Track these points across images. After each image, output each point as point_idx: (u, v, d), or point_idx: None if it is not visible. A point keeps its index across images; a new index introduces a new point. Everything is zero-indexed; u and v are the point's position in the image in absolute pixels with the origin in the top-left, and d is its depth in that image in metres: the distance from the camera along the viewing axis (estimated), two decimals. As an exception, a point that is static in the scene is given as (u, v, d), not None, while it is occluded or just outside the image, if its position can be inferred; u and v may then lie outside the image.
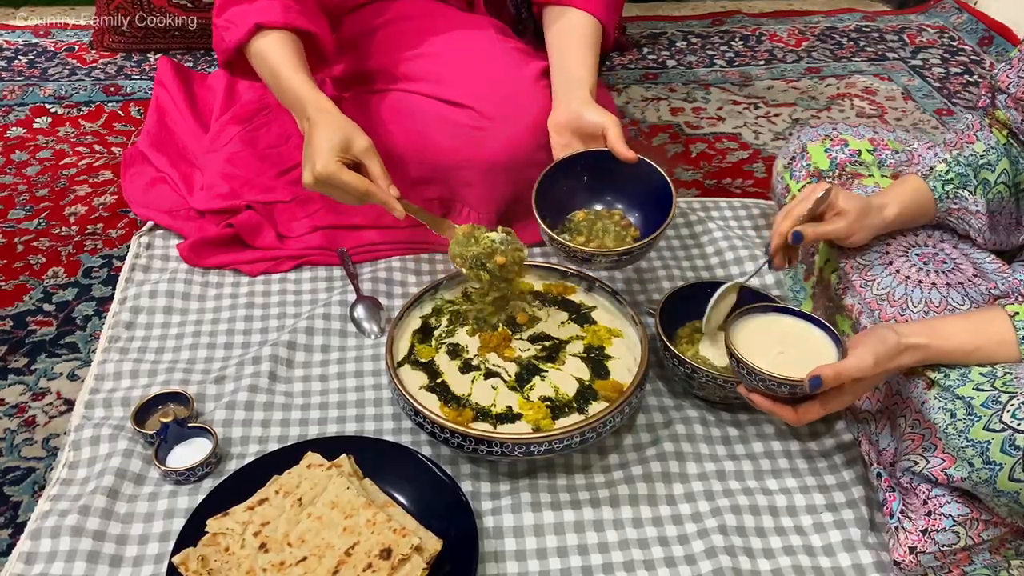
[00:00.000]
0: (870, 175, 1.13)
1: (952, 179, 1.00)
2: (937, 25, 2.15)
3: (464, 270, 1.08)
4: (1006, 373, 0.84)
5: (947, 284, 0.97)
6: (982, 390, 0.84)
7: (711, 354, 1.10)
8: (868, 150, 1.16)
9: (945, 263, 1.00)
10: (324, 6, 1.36)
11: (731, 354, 0.96)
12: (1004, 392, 0.82)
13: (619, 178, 1.12)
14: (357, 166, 1.07)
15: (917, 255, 1.01)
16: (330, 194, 1.08)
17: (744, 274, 1.30)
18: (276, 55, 1.13)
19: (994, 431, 0.81)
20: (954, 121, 1.08)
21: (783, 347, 0.97)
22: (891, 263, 1.01)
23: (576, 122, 1.11)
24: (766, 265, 1.04)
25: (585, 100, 1.12)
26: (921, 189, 1.02)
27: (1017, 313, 0.86)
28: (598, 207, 1.15)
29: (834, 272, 1.08)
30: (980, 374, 0.85)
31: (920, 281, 0.98)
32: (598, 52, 1.21)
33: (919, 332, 0.88)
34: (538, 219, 1.07)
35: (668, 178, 1.08)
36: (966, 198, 1.00)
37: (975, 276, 0.98)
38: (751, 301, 1.14)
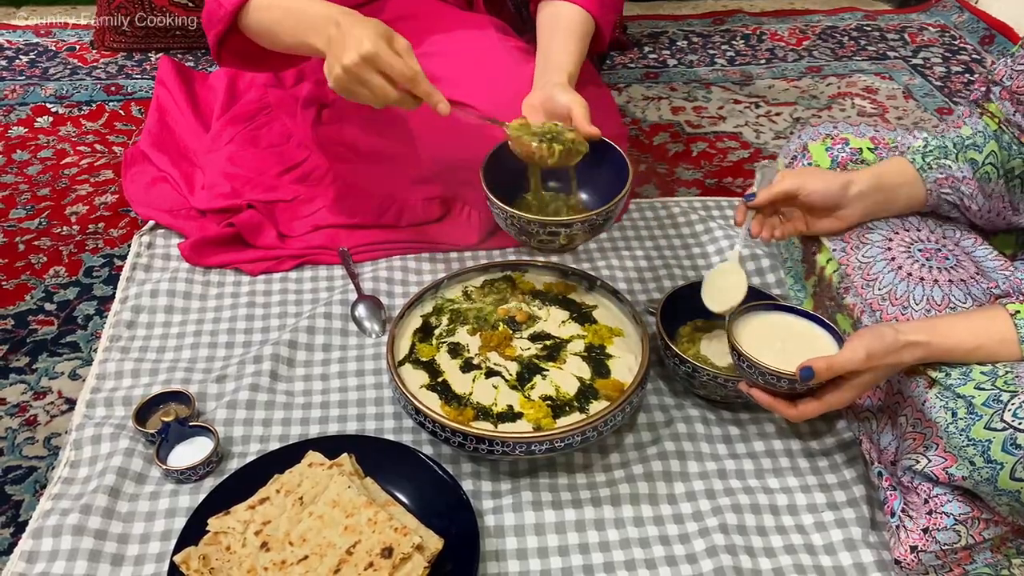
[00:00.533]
0: None
1: (931, 151, 1.02)
2: (938, 24, 2.15)
3: (534, 144, 1.05)
4: (1007, 372, 0.84)
5: (949, 281, 0.97)
6: (983, 389, 0.84)
7: (712, 353, 1.10)
8: (869, 148, 1.16)
9: (947, 259, 1.00)
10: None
11: (733, 348, 0.97)
12: (1005, 391, 0.82)
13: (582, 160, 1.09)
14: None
15: (920, 250, 1.01)
16: (361, 88, 1.01)
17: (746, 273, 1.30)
18: None
19: (995, 430, 0.81)
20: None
21: (784, 344, 0.98)
22: (893, 259, 1.01)
23: (548, 103, 1.09)
24: (748, 235, 1.06)
25: (560, 83, 1.10)
26: (899, 161, 1.03)
27: (1018, 311, 0.86)
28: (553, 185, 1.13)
29: (835, 271, 1.07)
30: (981, 373, 0.85)
31: (922, 278, 0.98)
32: (585, 44, 1.20)
33: (919, 329, 0.88)
34: (486, 191, 1.04)
35: (625, 155, 1.07)
36: (949, 166, 1.01)
37: (977, 275, 0.98)
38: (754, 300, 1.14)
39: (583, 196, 1.13)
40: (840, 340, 0.96)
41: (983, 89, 1.04)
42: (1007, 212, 1.05)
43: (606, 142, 1.08)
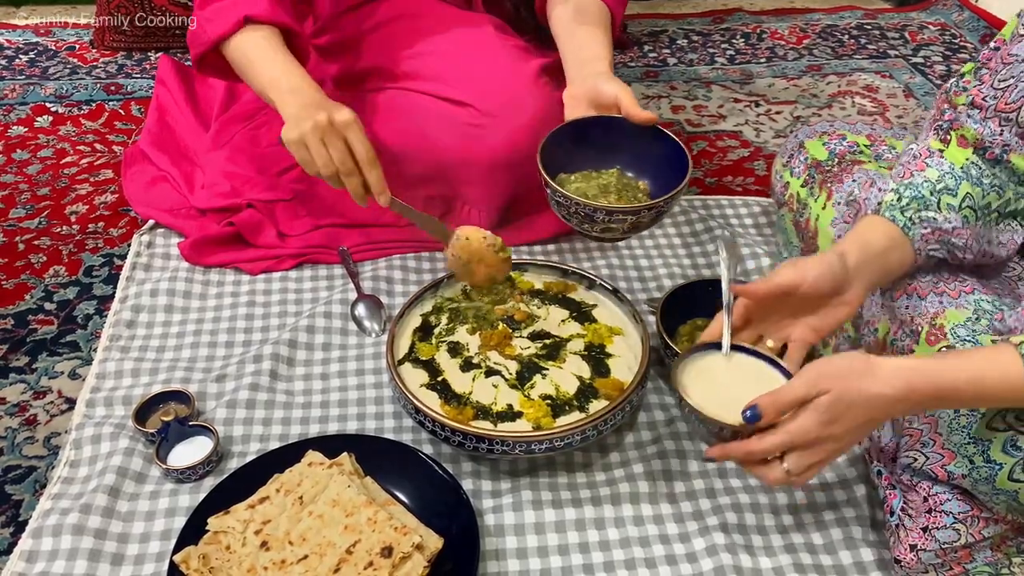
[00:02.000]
0: (870, 162, 1.13)
1: (908, 204, 0.90)
2: (938, 22, 2.15)
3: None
4: None
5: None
6: None
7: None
8: (866, 144, 1.16)
9: None
10: (324, 5, 1.36)
11: (679, 398, 0.86)
12: None
13: (630, 145, 1.05)
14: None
15: None
16: (314, 149, 1.04)
17: (744, 272, 1.30)
18: (265, 45, 1.12)
19: (997, 430, 0.81)
20: (899, 153, 0.99)
21: (734, 388, 0.86)
22: None
23: (592, 92, 1.06)
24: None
25: (603, 72, 1.07)
26: (879, 223, 0.90)
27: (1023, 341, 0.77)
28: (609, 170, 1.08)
29: None
30: None
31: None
32: (610, 34, 1.18)
33: (901, 361, 0.79)
34: (541, 170, 0.99)
35: (683, 144, 1.03)
36: (934, 218, 0.89)
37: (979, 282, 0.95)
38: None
39: (642, 184, 1.07)
40: (782, 369, 0.87)
41: (950, 109, 0.93)
42: (990, 249, 0.95)
43: (660, 129, 1.04)
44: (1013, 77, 0.87)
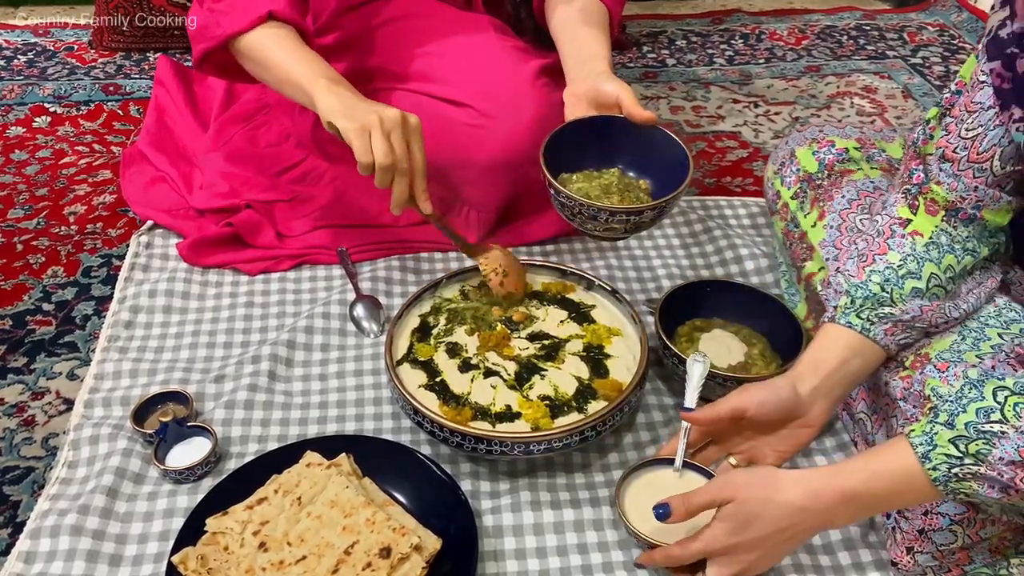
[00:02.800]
0: (859, 169, 1.13)
1: (862, 306, 0.89)
2: (937, 23, 2.15)
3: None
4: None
5: None
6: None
7: (711, 353, 1.10)
8: (855, 148, 1.16)
9: None
10: (323, 5, 1.36)
11: (618, 513, 0.91)
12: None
13: (632, 145, 1.05)
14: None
15: None
16: (368, 143, 1.01)
17: (743, 273, 1.30)
18: (290, 40, 1.11)
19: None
20: (868, 226, 0.97)
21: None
22: None
23: (592, 92, 1.07)
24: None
25: (603, 72, 1.08)
26: (837, 334, 0.90)
27: (913, 431, 0.77)
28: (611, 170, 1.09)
29: (820, 282, 1.07)
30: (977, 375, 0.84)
31: None
32: (608, 34, 1.19)
33: (805, 471, 0.81)
34: (544, 170, 1.00)
35: (684, 144, 1.03)
36: (892, 313, 0.88)
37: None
38: (744, 299, 1.14)
39: (643, 183, 1.07)
40: None
41: (920, 169, 0.91)
42: (967, 308, 0.93)
43: (660, 129, 1.04)
44: (981, 126, 0.84)
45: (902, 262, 0.89)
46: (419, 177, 1.06)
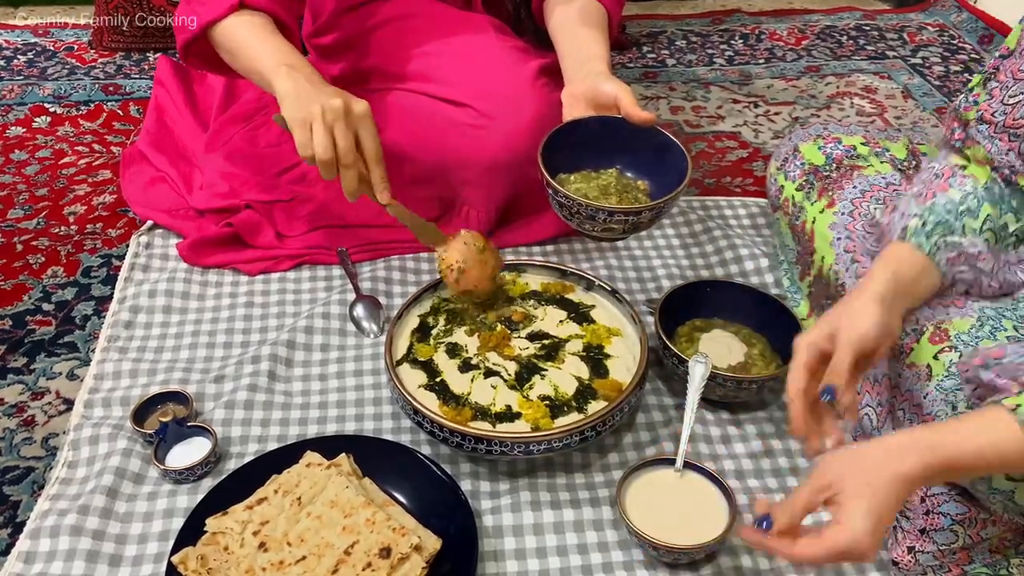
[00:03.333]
0: (869, 165, 1.12)
1: (934, 229, 0.89)
2: (937, 23, 2.15)
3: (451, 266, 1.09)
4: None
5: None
6: None
7: (711, 353, 1.10)
8: (862, 143, 1.15)
9: None
10: (322, 6, 1.36)
11: (619, 512, 0.92)
12: None
13: (630, 146, 1.05)
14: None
15: None
16: (308, 136, 1.01)
17: (743, 273, 1.30)
18: (258, 28, 1.11)
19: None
20: (918, 170, 0.99)
21: (673, 506, 0.93)
22: None
23: (591, 92, 1.06)
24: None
25: (602, 72, 1.07)
26: (906, 251, 0.89)
27: (1019, 406, 0.73)
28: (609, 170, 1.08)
29: (829, 268, 1.07)
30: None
31: None
32: (607, 34, 1.19)
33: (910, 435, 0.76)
34: (542, 170, 1.00)
35: (682, 145, 1.03)
36: (960, 243, 0.88)
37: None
38: (744, 299, 1.14)
39: (641, 184, 1.07)
40: (730, 498, 0.92)
41: (959, 127, 0.92)
42: (1009, 277, 0.93)
43: (658, 130, 1.04)
44: (1022, 93, 0.86)
45: (963, 199, 0.89)
46: (373, 164, 1.04)
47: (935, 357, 0.87)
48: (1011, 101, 0.87)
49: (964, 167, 0.92)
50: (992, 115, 0.88)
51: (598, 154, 1.06)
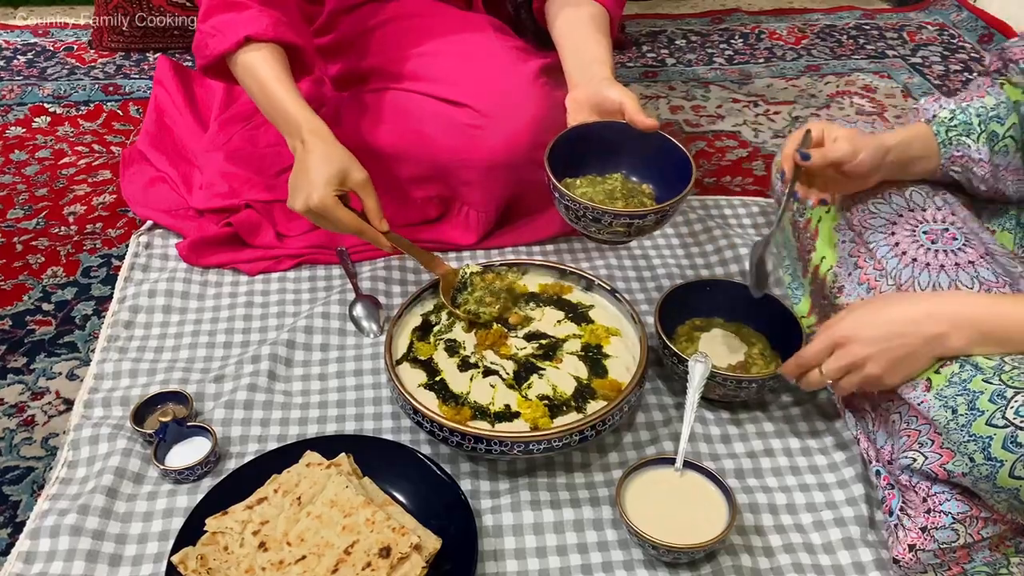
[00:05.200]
0: None
1: (956, 125, 1.02)
2: (937, 22, 2.15)
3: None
4: (1013, 368, 0.83)
5: (956, 265, 0.95)
6: (990, 384, 0.83)
7: (710, 352, 1.10)
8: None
9: (955, 239, 0.98)
10: (322, 6, 1.36)
11: (619, 512, 0.93)
12: (1009, 387, 0.81)
13: (634, 150, 1.07)
14: (346, 195, 1.07)
15: (925, 233, 1.00)
16: (318, 222, 1.08)
17: (743, 272, 1.30)
18: (265, 70, 1.11)
19: (996, 427, 0.81)
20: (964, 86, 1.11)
21: (673, 505, 0.94)
22: (897, 244, 1.00)
23: (596, 98, 1.07)
24: (794, 201, 1.06)
25: (606, 78, 1.08)
26: (924, 132, 1.03)
27: None
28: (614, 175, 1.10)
29: (829, 270, 1.07)
30: (989, 367, 0.84)
31: (928, 264, 0.97)
32: (610, 37, 1.19)
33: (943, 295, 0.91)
34: (549, 173, 1.01)
35: (686, 150, 1.04)
36: (969, 145, 1.01)
37: (986, 255, 0.96)
38: (744, 299, 1.14)
39: (647, 188, 1.09)
40: (730, 497, 0.93)
41: (1000, 63, 1.04)
42: (1020, 184, 1.04)
43: (662, 135, 1.05)
44: None
45: (995, 107, 1.02)
46: (373, 216, 1.08)
47: (936, 371, 0.88)
48: None
49: (1003, 85, 1.04)
50: (1019, 60, 0.98)
51: (603, 159, 1.07)
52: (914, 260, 0.97)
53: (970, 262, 0.95)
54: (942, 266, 0.96)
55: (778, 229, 1.04)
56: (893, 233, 1.01)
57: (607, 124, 1.06)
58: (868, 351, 0.90)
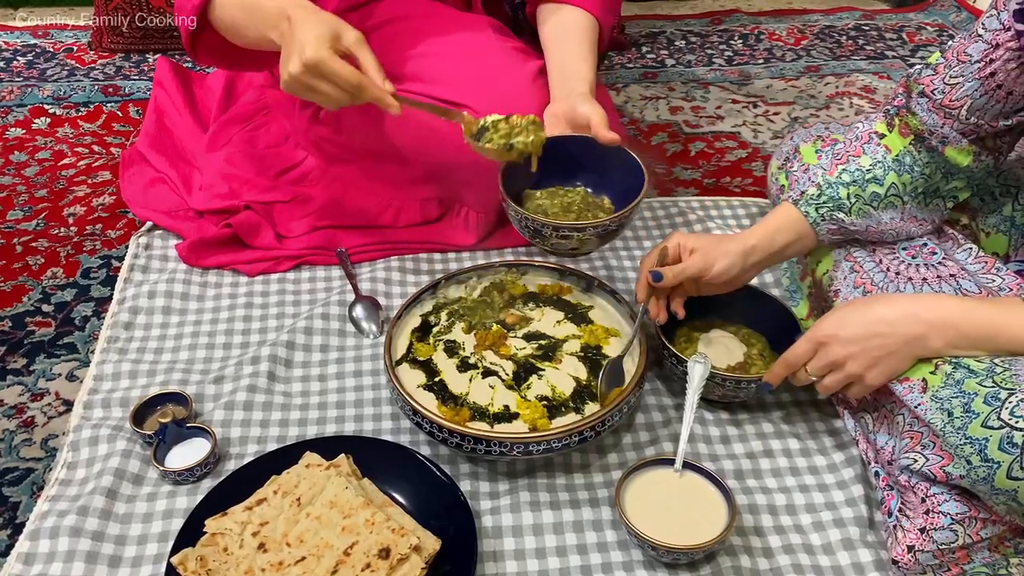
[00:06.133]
0: None
1: (825, 202, 1.01)
2: (936, 23, 2.15)
3: (485, 147, 1.04)
4: (1005, 369, 0.84)
5: (938, 277, 0.97)
6: (983, 386, 0.83)
7: (710, 353, 1.10)
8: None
9: (935, 254, 1.00)
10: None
11: (619, 513, 0.92)
12: (1003, 389, 0.82)
13: (595, 165, 1.09)
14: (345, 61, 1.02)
15: (904, 249, 1.02)
16: (312, 93, 1.02)
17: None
18: None
19: (992, 428, 0.81)
20: (851, 128, 1.08)
21: (672, 506, 0.94)
22: (880, 261, 1.02)
23: (570, 113, 1.09)
24: (645, 315, 1.06)
25: (582, 93, 1.10)
26: (791, 216, 1.03)
27: None
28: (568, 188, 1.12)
29: (825, 273, 1.07)
30: (981, 369, 0.85)
31: (911, 277, 0.98)
32: (596, 48, 1.20)
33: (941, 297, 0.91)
34: (500, 185, 1.03)
35: (640, 161, 1.06)
36: (843, 219, 1.01)
37: (963, 271, 0.98)
38: (743, 299, 1.14)
39: (607, 203, 1.10)
40: (729, 498, 0.93)
41: (904, 95, 1.00)
42: (923, 226, 1.04)
43: (624, 150, 1.06)
44: (962, 77, 0.92)
45: (871, 167, 1.01)
46: (374, 74, 1.02)
47: (932, 372, 0.88)
48: (951, 81, 0.93)
49: (883, 136, 1.02)
50: (932, 91, 0.95)
51: (566, 171, 1.09)
52: (898, 274, 0.99)
53: (951, 275, 0.97)
54: (924, 279, 0.98)
55: (632, 346, 1.05)
56: (875, 251, 1.03)
57: (573, 138, 1.08)
58: (848, 350, 0.91)
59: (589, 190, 1.10)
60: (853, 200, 1.00)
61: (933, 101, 0.95)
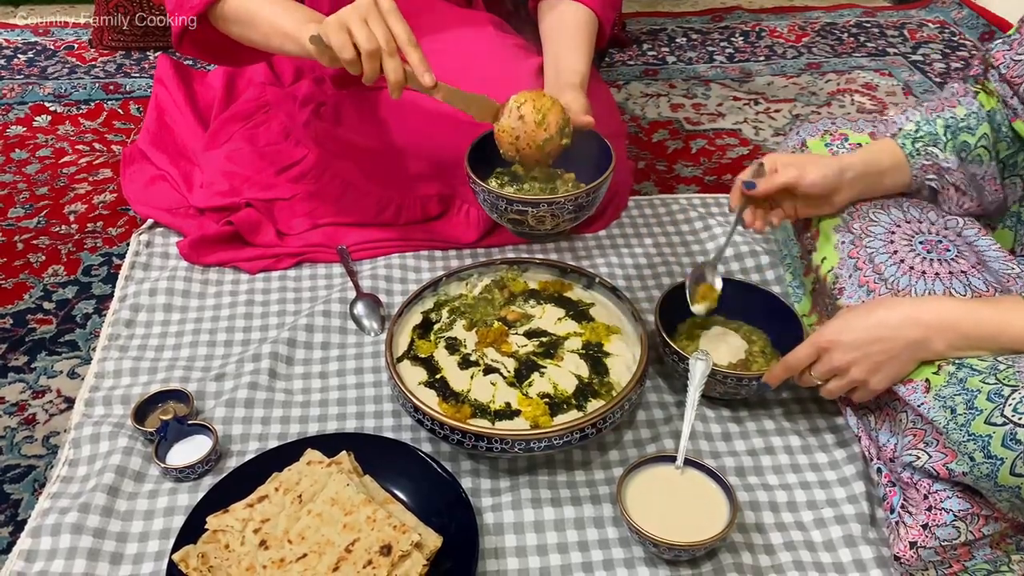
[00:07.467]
0: None
1: (921, 136, 1.02)
2: (937, 20, 2.14)
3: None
4: (1008, 367, 0.84)
5: (950, 273, 0.96)
6: (986, 383, 0.83)
7: (711, 350, 1.10)
8: (868, 143, 1.15)
9: (948, 251, 0.99)
10: (321, 6, 1.35)
11: (620, 510, 0.93)
12: (1006, 386, 0.82)
13: (577, 151, 1.12)
14: None
15: (921, 243, 1.01)
16: (344, 35, 0.98)
17: (744, 269, 1.30)
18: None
19: (995, 425, 0.81)
20: (941, 91, 1.12)
21: (673, 503, 0.94)
22: (896, 252, 1.01)
23: None
24: (740, 226, 1.08)
25: (571, 84, 1.12)
26: (890, 146, 1.04)
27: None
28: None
29: (830, 271, 1.07)
30: (982, 367, 0.85)
31: (924, 272, 0.98)
32: (593, 43, 1.20)
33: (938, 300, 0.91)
34: (468, 171, 1.07)
35: (611, 148, 1.10)
36: (937, 155, 1.02)
37: (978, 264, 0.98)
38: (745, 296, 1.14)
39: (569, 176, 1.14)
40: (731, 495, 0.93)
41: (982, 67, 1.03)
42: (997, 195, 1.05)
43: (595, 134, 1.10)
44: None
45: (966, 117, 1.02)
46: (410, 50, 1.01)
47: (935, 373, 0.88)
48: (1018, 57, 0.97)
49: (977, 92, 1.04)
50: (999, 64, 0.99)
51: None
52: (911, 268, 0.99)
53: (963, 271, 0.97)
54: (937, 274, 0.97)
55: (724, 251, 1.10)
56: (892, 242, 1.02)
57: None
58: (850, 356, 0.92)
59: (559, 170, 1.13)
60: (948, 137, 1.01)
61: (1001, 74, 0.99)
